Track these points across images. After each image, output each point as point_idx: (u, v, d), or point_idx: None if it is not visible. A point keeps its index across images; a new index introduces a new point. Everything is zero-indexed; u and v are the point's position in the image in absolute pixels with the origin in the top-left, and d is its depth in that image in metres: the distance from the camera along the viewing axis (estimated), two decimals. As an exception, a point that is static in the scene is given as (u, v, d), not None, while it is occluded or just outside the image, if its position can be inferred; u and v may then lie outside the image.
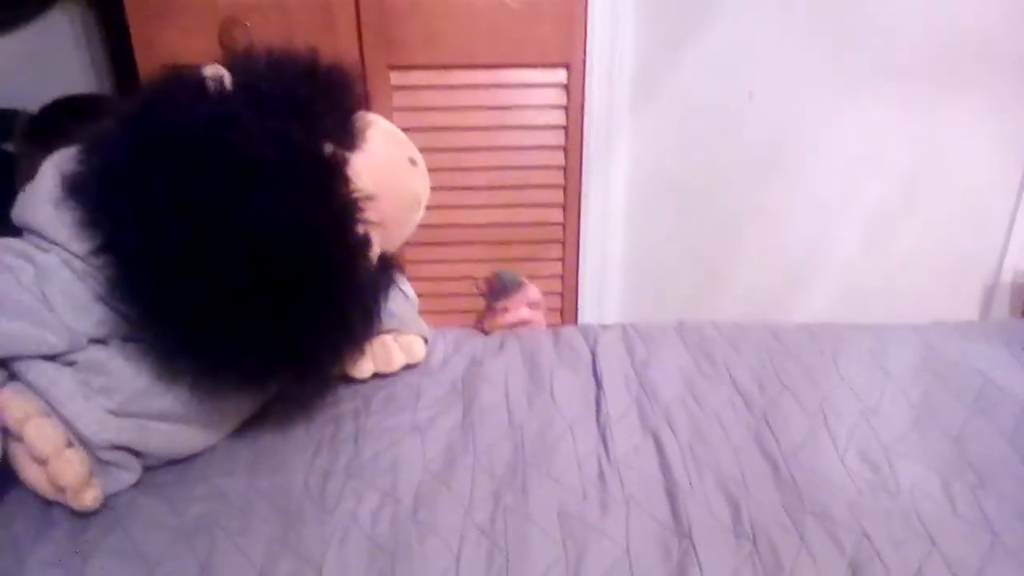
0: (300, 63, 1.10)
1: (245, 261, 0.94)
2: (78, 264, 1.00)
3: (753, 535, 0.95)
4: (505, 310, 1.44)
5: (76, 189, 1.01)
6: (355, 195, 1.05)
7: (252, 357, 1.00)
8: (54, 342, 0.96)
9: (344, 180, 1.05)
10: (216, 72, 1.04)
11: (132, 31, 1.49)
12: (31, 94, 1.52)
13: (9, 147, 1.40)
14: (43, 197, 1.03)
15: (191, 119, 0.98)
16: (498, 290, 1.42)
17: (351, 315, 1.07)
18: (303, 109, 1.04)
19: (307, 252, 0.97)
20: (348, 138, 1.10)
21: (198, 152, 0.96)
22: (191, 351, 0.99)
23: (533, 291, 1.52)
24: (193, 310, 0.95)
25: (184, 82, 1.04)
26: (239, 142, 0.96)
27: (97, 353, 0.99)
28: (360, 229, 1.06)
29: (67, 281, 0.99)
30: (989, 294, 1.97)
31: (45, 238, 1.01)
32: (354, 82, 1.14)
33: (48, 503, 0.96)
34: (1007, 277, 1.94)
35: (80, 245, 0.99)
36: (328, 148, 1.05)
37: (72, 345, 0.97)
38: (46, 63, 1.68)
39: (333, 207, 1.03)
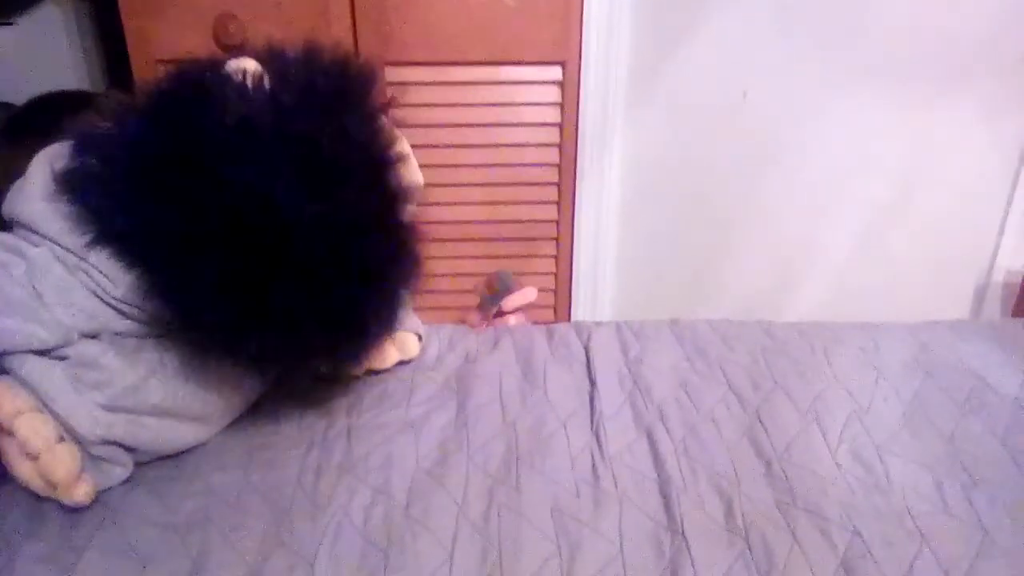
0: (325, 58, 1.10)
1: (327, 252, 0.98)
2: (71, 259, 0.99)
3: (746, 532, 0.95)
4: (500, 312, 1.45)
5: (84, 182, 1.01)
6: (404, 185, 1.09)
7: (298, 344, 1.03)
8: (45, 337, 0.95)
9: (396, 172, 1.09)
10: (252, 67, 1.03)
11: (125, 25, 1.48)
12: (22, 88, 1.51)
13: None
14: (35, 192, 1.03)
15: (255, 112, 0.99)
16: (498, 291, 1.42)
17: (398, 300, 1.13)
18: (339, 104, 1.06)
19: (370, 240, 1.03)
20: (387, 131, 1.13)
21: (258, 147, 0.97)
22: (232, 344, 1.01)
23: (529, 293, 1.52)
24: (242, 304, 0.97)
25: (215, 76, 1.03)
26: (308, 138, 0.99)
27: (89, 348, 0.98)
28: (408, 217, 1.10)
29: (59, 276, 0.99)
30: (981, 293, 1.98)
31: (37, 232, 1.01)
32: (379, 77, 1.15)
33: (40, 499, 0.95)
34: (999, 277, 1.95)
35: (73, 239, 0.99)
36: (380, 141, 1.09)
37: (64, 340, 0.97)
38: (38, 57, 1.67)
39: (389, 197, 1.08)
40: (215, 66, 1.03)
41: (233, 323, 0.98)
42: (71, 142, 1.05)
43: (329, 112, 1.03)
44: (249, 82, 1.01)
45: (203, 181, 0.96)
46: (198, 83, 1.02)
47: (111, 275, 1.00)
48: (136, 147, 1.00)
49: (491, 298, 1.44)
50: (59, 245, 1.00)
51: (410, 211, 1.12)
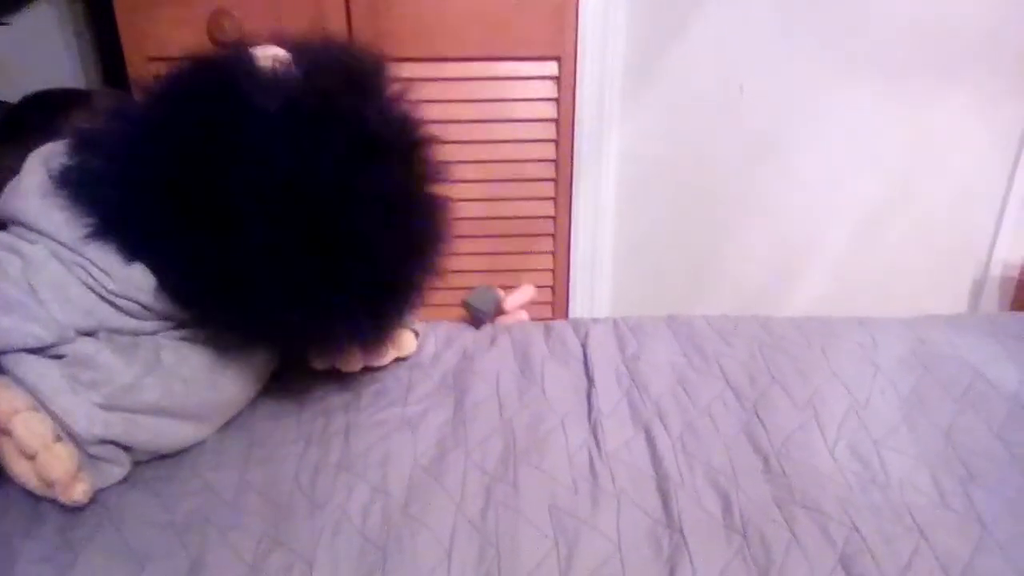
0: (346, 47, 1.16)
1: (375, 223, 1.03)
2: (66, 254, 0.99)
3: (744, 529, 0.95)
4: (500, 312, 1.45)
5: (84, 176, 1.02)
6: (436, 161, 1.15)
7: (343, 314, 1.06)
8: (42, 335, 0.95)
9: (431, 149, 1.15)
10: (281, 54, 1.06)
11: (119, 22, 1.47)
12: (16, 86, 1.50)
13: None
14: (30, 189, 1.03)
15: (296, 94, 1.02)
16: (477, 318, 1.43)
17: (434, 272, 1.18)
18: (373, 84, 1.11)
19: (413, 211, 1.10)
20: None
21: (305, 126, 1.00)
22: (266, 321, 1.04)
23: (527, 291, 1.53)
24: (288, 279, 1.01)
25: (247, 63, 1.05)
26: (354, 116, 1.04)
27: (85, 347, 0.98)
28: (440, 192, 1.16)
29: (55, 272, 0.99)
30: (978, 287, 1.98)
31: (33, 229, 1.01)
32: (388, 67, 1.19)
33: (37, 499, 0.95)
34: (996, 270, 1.95)
35: (70, 234, 0.99)
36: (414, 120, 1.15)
37: (60, 337, 0.97)
38: (32, 55, 1.67)
39: (426, 173, 1.14)
40: (241, 54, 1.06)
41: (274, 300, 1.01)
42: (68, 140, 1.06)
43: (365, 93, 1.07)
44: (280, 68, 1.04)
45: (245, 162, 0.98)
46: (228, 70, 1.04)
47: (108, 269, 1.00)
48: (156, 133, 1.01)
49: (479, 319, 1.43)
50: (55, 241, 1.00)
51: (443, 188, 1.17)
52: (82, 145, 1.05)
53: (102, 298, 1.00)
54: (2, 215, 1.05)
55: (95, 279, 1.00)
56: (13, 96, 1.47)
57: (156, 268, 1.02)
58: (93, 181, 1.02)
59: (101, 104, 1.18)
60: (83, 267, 1.00)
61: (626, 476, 1.03)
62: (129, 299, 1.01)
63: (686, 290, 1.97)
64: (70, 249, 1.00)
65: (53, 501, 0.94)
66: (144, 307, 1.03)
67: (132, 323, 1.03)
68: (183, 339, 1.07)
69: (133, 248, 1.02)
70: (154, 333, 1.05)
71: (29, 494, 0.95)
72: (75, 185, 1.02)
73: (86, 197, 1.02)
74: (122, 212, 1.01)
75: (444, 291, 1.66)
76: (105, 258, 1.00)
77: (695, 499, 0.99)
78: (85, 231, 1.00)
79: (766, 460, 1.06)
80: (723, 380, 1.22)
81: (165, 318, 1.06)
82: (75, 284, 0.99)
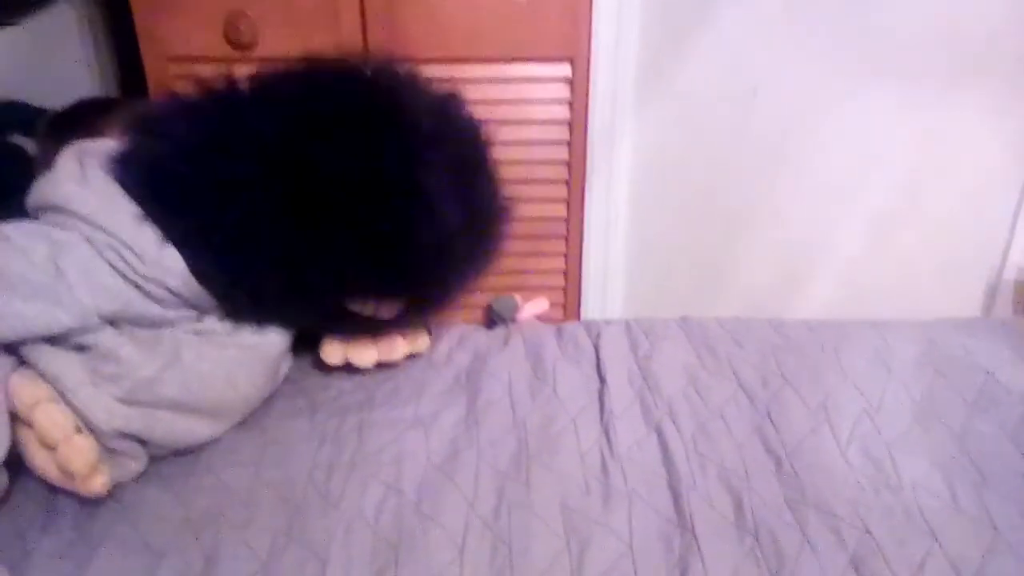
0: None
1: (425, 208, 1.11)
2: (100, 237, 1.02)
3: (755, 530, 0.95)
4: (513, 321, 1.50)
5: (147, 158, 1.09)
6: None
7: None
8: (66, 320, 0.97)
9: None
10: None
11: (136, 23, 1.48)
12: (33, 87, 1.52)
13: (16, 140, 1.41)
14: (66, 177, 1.07)
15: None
16: (495, 322, 1.47)
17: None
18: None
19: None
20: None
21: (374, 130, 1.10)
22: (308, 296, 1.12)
23: (540, 303, 1.57)
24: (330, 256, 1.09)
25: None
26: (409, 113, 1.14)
27: (108, 340, 1.00)
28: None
29: (85, 254, 1.01)
30: (992, 291, 1.97)
31: (67, 213, 1.03)
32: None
33: (55, 494, 0.96)
34: (1010, 275, 1.94)
35: (107, 218, 1.03)
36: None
37: (83, 322, 0.98)
38: (48, 56, 1.68)
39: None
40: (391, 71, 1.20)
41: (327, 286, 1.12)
42: (131, 127, 1.14)
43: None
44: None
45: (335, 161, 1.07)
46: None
47: (141, 252, 1.03)
48: (230, 130, 1.08)
49: (496, 323, 1.48)
50: (90, 224, 1.03)
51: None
52: (145, 132, 1.12)
53: (131, 282, 1.03)
54: (34, 205, 1.07)
55: (127, 262, 1.02)
56: (27, 95, 1.49)
57: (195, 251, 1.06)
58: (153, 165, 1.07)
59: (137, 111, 1.21)
60: (116, 250, 1.02)
61: (638, 476, 1.03)
62: (158, 283, 1.04)
63: (698, 292, 1.97)
64: (105, 232, 1.02)
65: (70, 495, 0.96)
66: (172, 292, 1.05)
67: (155, 310, 1.05)
68: (202, 335, 1.09)
69: (180, 230, 1.06)
70: (174, 325, 1.07)
71: (46, 489, 0.97)
72: (133, 166, 1.08)
73: (140, 179, 1.07)
74: (177, 198, 1.06)
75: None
76: (139, 241, 1.03)
77: (707, 500, 1.00)
78: (126, 214, 1.04)
79: (778, 461, 1.06)
80: (735, 382, 1.22)
81: (190, 306, 1.08)
82: (103, 267, 1.02)
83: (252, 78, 1.14)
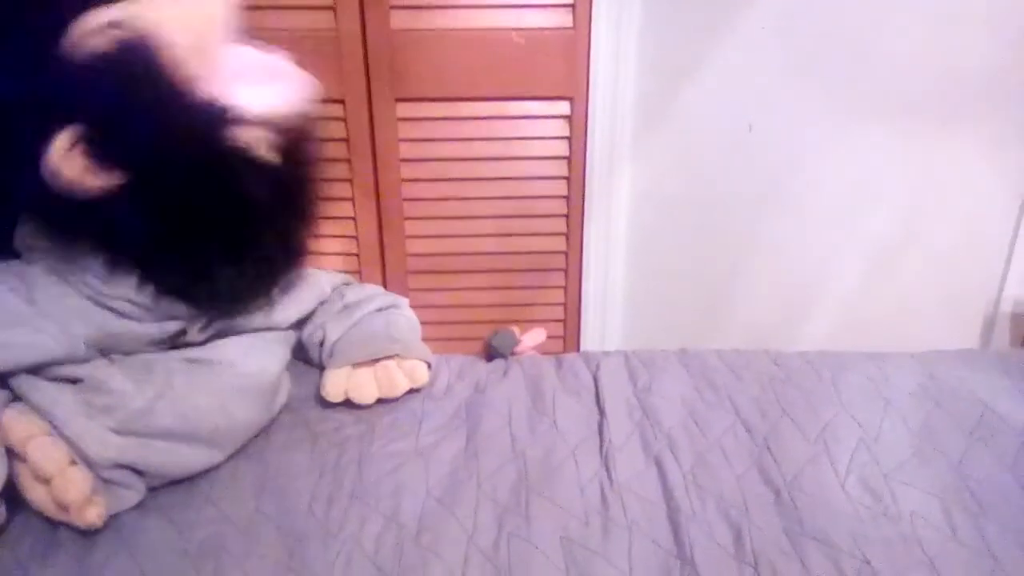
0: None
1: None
2: (62, 267, 1.06)
3: (755, 561, 0.95)
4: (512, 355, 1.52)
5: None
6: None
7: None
8: (52, 346, 1.00)
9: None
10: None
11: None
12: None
13: None
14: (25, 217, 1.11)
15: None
16: (494, 357, 1.49)
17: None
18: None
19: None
20: None
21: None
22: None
23: (538, 335, 1.60)
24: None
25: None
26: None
27: (98, 371, 1.01)
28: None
29: (53, 284, 1.05)
30: (989, 324, 1.98)
31: (34, 250, 1.08)
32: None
33: (54, 526, 0.97)
34: (1007, 307, 1.94)
35: (62, 250, 1.06)
36: None
37: (70, 348, 1.01)
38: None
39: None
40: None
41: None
42: None
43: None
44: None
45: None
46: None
47: (98, 274, 1.06)
48: None
49: (495, 357, 1.49)
50: (51, 257, 1.07)
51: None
52: None
53: (99, 304, 1.06)
54: (19, 247, 1.11)
55: (89, 286, 1.06)
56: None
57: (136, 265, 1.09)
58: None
59: None
60: (79, 276, 1.06)
61: (638, 508, 1.04)
62: (121, 298, 1.07)
63: (697, 325, 1.97)
64: (65, 262, 1.06)
65: (69, 528, 0.96)
66: (135, 304, 1.08)
67: (133, 326, 1.08)
68: (195, 363, 1.10)
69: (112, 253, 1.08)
70: (161, 342, 1.09)
71: (46, 521, 0.97)
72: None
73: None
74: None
75: (459, 325, 1.68)
76: (94, 265, 1.07)
77: (706, 531, 1.00)
78: (73, 247, 1.07)
79: (777, 493, 1.06)
80: (734, 413, 1.23)
81: (158, 317, 1.11)
82: (72, 294, 1.05)
83: None
